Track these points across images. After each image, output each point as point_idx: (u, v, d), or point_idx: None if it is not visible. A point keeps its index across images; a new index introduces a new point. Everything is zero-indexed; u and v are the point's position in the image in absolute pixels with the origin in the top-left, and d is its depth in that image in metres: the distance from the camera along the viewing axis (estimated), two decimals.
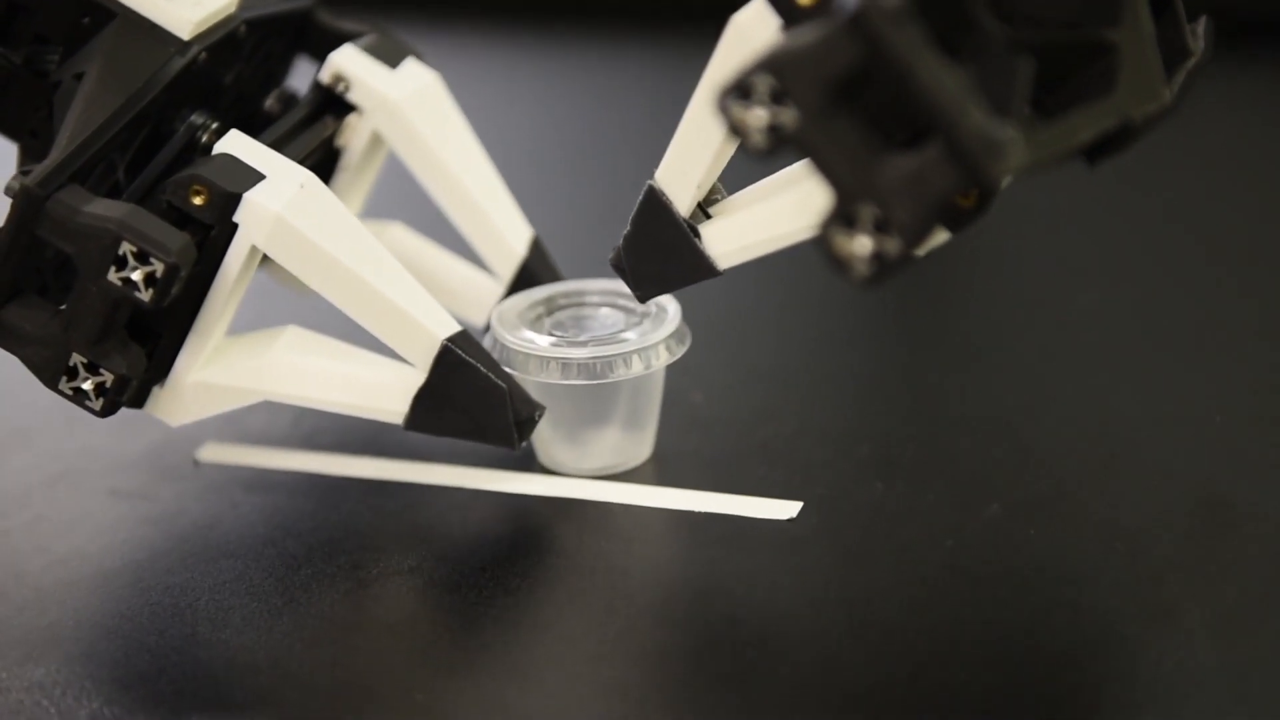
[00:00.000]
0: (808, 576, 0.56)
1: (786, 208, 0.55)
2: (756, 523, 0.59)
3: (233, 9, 0.62)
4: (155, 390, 0.60)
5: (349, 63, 0.65)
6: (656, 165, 0.56)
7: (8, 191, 0.55)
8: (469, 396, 0.58)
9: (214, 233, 0.57)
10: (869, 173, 0.44)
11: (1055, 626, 0.53)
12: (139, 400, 0.59)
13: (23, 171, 0.55)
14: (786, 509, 0.59)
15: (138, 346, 0.57)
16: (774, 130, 0.44)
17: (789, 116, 0.44)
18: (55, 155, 0.55)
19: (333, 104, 0.65)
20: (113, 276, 0.54)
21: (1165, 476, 0.61)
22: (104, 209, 0.54)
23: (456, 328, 0.58)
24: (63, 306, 0.57)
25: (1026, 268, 0.79)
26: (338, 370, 0.59)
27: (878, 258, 0.45)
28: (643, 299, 0.59)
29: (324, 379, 0.59)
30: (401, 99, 0.64)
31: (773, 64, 0.44)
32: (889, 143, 0.45)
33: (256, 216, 0.57)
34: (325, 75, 0.65)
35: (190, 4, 0.60)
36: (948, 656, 0.52)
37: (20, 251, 0.55)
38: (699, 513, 0.60)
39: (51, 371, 0.56)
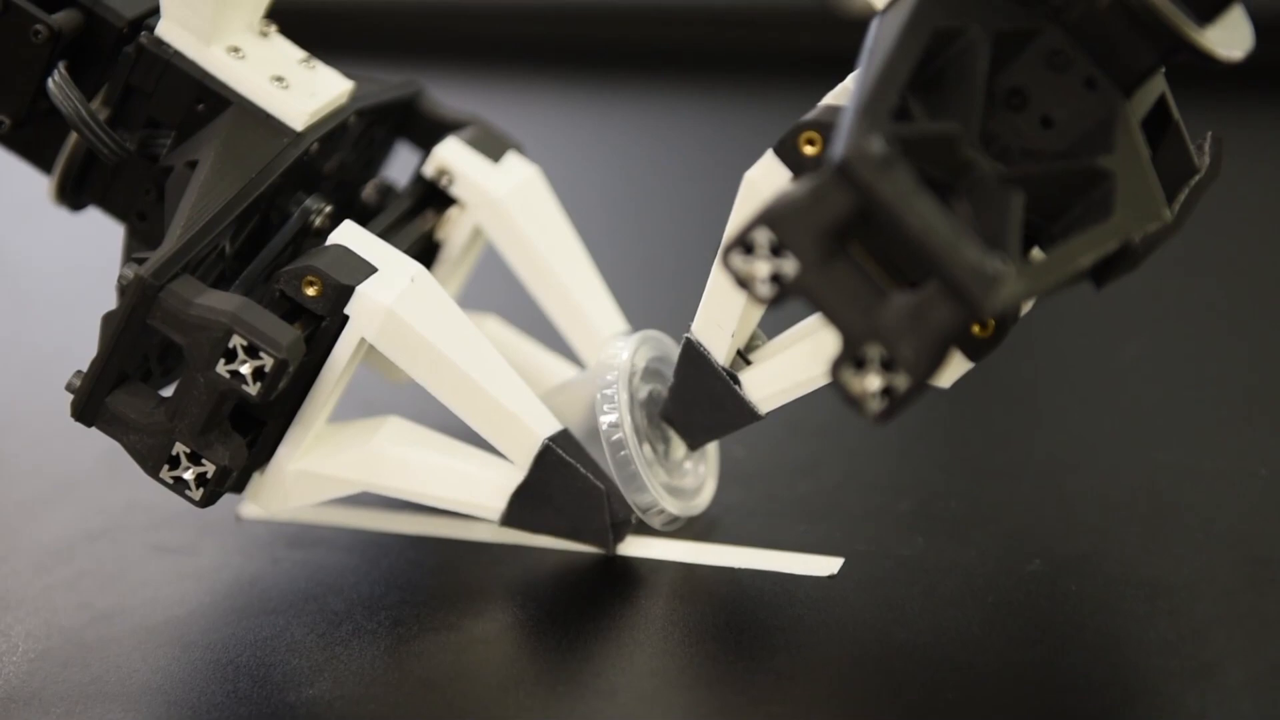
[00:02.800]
0: (849, 634, 0.56)
1: (809, 353, 0.57)
2: (798, 579, 0.59)
3: (345, 99, 0.62)
4: (255, 476, 0.60)
5: (453, 157, 0.65)
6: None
7: (121, 281, 0.55)
8: (567, 496, 0.59)
9: (325, 324, 0.57)
10: (870, 314, 0.45)
11: (1097, 685, 0.52)
12: (239, 486, 0.60)
13: (135, 259, 0.55)
14: (828, 565, 0.59)
15: (240, 438, 0.57)
16: (777, 280, 0.46)
17: (790, 266, 0.45)
18: (169, 245, 0.55)
19: (435, 197, 0.66)
20: (221, 369, 0.54)
21: (1209, 532, 0.60)
22: (216, 301, 0.54)
23: (558, 426, 0.59)
24: (165, 393, 0.57)
25: (1070, 317, 0.78)
26: (437, 464, 0.59)
27: (887, 393, 0.45)
28: (693, 447, 0.61)
29: (424, 473, 0.59)
30: (504, 195, 0.65)
31: (769, 218, 0.45)
32: (897, 280, 0.46)
33: (368, 310, 0.57)
34: (429, 169, 0.65)
35: (305, 94, 0.61)
36: (989, 715, 0.51)
37: (130, 339, 0.55)
38: (741, 569, 0.60)
39: (154, 460, 0.56)
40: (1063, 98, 0.50)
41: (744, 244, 0.45)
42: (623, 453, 0.59)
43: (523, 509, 0.59)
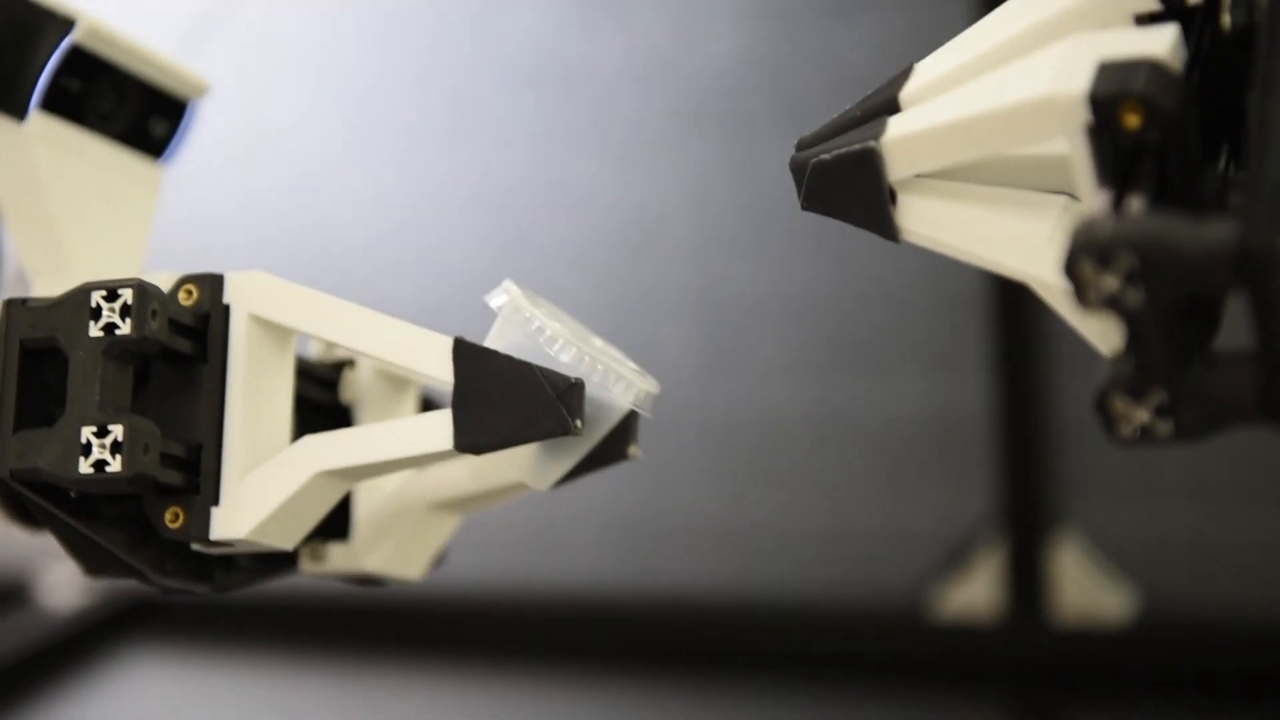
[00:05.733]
0: None
1: (1011, 236, 0.50)
2: None
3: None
4: (214, 513, 0.57)
5: None
6: None
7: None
8: (500, 385, 0.55)
9: (211, 322, 0.58)
10: (1179, 369, 0.44)
11: None
12: (202, 530, 0.57)
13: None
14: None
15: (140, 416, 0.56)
16: (1111, 300, 0.43)
17: (1134, 297, 0.43)
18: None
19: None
20: (94, 330, 0.55)
21: None
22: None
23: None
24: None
25: None
26: (372, 430, 0.57)
27: (1146, 431, 0.44)
28: (804, 208, 0.52)
29: (364, 439, 0.57)
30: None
31: (1144, 246, 0.42)
32: (1202, 341, 0.45)
33: (244, 284, 0.58)
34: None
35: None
36: None
37: (14, 370, 0.56)
38: None
39: (70, 459, 0.55)
40: None
41: (1100, 253, 0.42)
42: (556, 345, 0.56)
43: (470, 423, 0.56)
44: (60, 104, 0.63)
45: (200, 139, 0.65)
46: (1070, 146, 0.46)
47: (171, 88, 0.67)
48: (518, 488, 0.62)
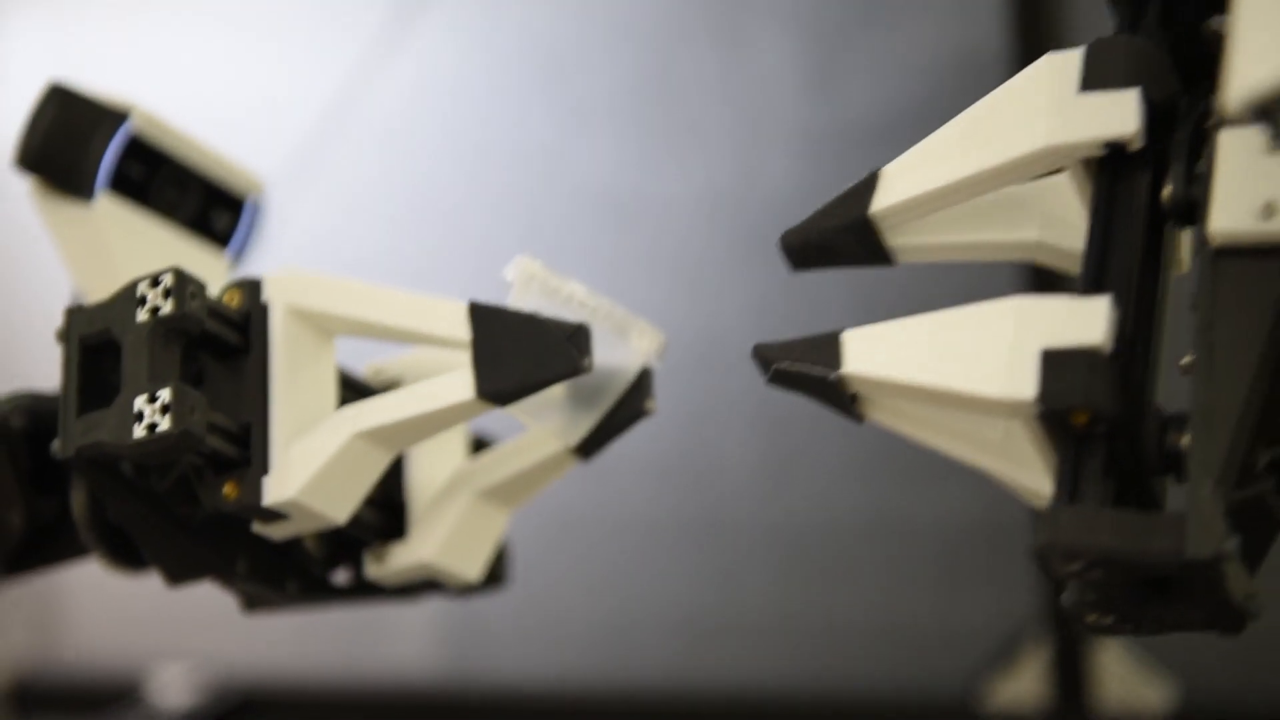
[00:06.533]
0: None
1: (966, 435, 0.54)
2: None
3: None
4: (264, 481, 0.61)
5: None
6: None
7: (58, 336, 0.61)
8: (514, 337, 0.59)
9: (253, 317, 0.62)
10: (1142, 612, 0.48)
11: None
12: (254, 497, 0.60)
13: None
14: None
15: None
16: (1076, 574, 0.47)
17: (1095, 574, 0.47)
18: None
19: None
20: (142, 315, 0.59)
21: None
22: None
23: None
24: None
25: None
26: (401, 392, 0.62)
27: (1112, 629, 0.50)
28: (770, 380, 0.56)
29: (394, 400, 0.61)
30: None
31: (1102, 560, 0.46)
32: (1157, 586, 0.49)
33: (279, 281, 0.63)
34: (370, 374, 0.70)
35: None
36: None
37: (78, 366, 0.60)
38: None
39: (126, 428, 0.58)
40: None
41: (1064, 555, 0.46)
42: (562, 296, 0.62)
43: (488, 372, 0.59)
44: (129, 191, 0.69)
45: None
46: (1023, 424, 0.51)
47: (227, 182, 0.72)
48: (555, 464, 0.65)
